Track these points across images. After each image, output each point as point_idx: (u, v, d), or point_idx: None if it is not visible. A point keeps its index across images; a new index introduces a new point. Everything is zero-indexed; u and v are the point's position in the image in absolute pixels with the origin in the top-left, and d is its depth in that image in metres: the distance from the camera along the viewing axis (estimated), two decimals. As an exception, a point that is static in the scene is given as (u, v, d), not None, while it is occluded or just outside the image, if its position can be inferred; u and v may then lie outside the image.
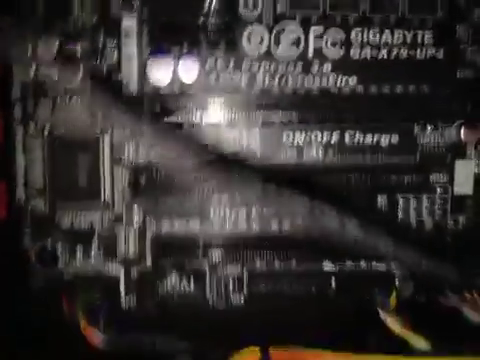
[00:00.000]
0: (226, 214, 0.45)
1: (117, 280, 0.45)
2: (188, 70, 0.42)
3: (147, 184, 0.44)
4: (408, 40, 0.44)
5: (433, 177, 0.47)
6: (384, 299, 0.46)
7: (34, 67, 0.41)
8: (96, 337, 0.42)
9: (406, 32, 0.44)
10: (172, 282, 0.45)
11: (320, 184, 0.45)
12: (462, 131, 0.45)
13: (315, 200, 0.40)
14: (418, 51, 0.45)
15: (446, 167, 0.46)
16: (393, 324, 0.44)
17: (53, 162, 0.43)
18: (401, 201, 0.46)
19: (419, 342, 0.42)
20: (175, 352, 0.42)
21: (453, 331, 0.42)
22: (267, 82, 0.44)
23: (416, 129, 0.46)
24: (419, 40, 0.44)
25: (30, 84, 0.41)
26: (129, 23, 0.41)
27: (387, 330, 0.44)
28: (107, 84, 0.42)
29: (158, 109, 0.43)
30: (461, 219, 0.47)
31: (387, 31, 0.44)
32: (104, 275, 0.44)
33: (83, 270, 0.44)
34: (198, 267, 0.45)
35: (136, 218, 0.44)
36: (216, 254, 0.45)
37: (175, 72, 0.42)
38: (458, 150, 0.46)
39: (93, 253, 0.44)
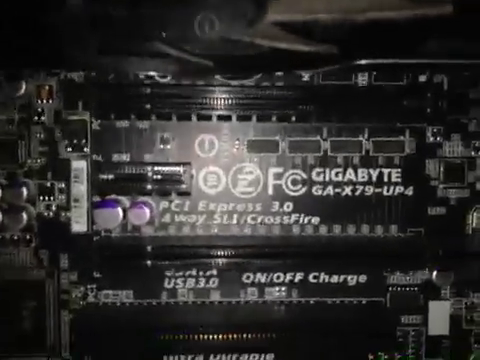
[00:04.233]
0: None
1: None
2: (138, 216, 0.40)
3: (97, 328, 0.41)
4: (374, 178, 0.43)
5: (404, 319, 0.44)
6: None
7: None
8: None
9: (371, 170, 0.42)
10: None
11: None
12: (434, 275, 0.43)
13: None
14: (385, 189, 0.43)
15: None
16: None
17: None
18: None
19: None
20: None
21: None
22: (225, 222, 0.42)
23: (385, 270, 0.43)
24: (385, 178, 0.43)
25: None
26: (79, 166, 0.40)
27: None
28: (54, 227, 0.40)
29: (109, 252, 0.41)
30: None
31: (350, 170, 0.42)
32: None
33: None
34: None
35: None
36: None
37: (126, 217, 0.40)
38: (431, 291, 0.43)
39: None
